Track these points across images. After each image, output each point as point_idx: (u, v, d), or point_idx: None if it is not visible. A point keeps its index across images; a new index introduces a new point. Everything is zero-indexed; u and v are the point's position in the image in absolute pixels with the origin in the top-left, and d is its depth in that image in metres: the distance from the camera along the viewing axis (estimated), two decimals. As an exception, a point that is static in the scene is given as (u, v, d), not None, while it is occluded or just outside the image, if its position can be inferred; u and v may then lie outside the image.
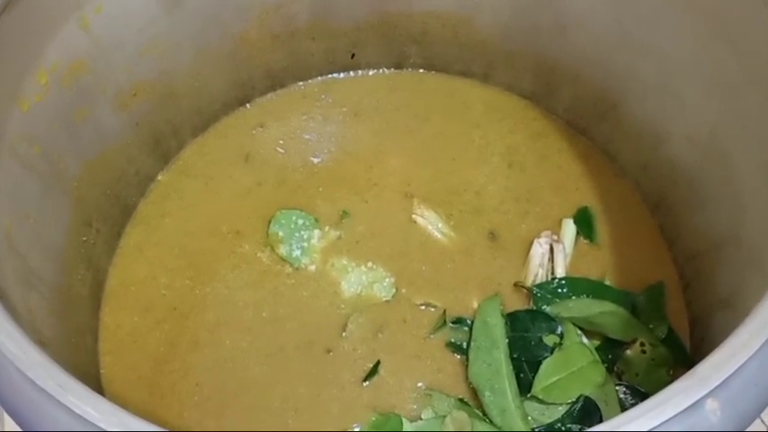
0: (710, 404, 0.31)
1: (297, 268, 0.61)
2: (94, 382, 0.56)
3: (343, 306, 0.59)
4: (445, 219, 0.63)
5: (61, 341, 0.51)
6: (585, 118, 0.67)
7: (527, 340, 0.56)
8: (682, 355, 0.56)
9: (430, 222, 0.63)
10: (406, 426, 0.53)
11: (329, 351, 0.57)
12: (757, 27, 0.47)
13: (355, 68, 0.72)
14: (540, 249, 0.60)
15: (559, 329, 0.56)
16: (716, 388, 0.31)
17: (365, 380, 0.56)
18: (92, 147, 0.57)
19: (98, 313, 0.59)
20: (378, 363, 0.56)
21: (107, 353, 0.58)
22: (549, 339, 0.55)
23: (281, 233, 0.62)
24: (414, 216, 0.63)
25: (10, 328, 0.35)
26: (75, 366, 0.52)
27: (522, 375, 0.54)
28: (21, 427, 0.34)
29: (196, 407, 0.55)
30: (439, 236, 0.62)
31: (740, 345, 0.32)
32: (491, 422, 0.52)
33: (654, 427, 0.30)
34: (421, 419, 0.54)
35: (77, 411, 0.32)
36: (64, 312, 0.53)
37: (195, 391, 0.56)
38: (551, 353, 0.55)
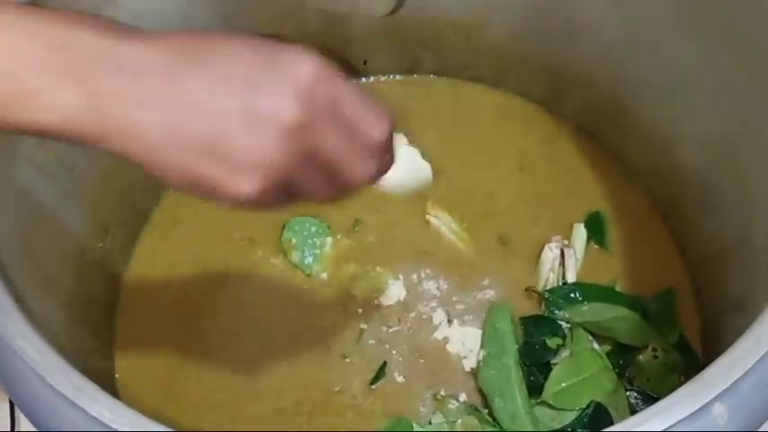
0: (717, 408, 0.31)
1: (308, 275, 0.61)
2: (109, 386, 0.56)
3: (354, 312, 0.59)
4: (458, 221, 0.63)
5: (77, 346, 0.51)
6: (596, 122, 0.67)
7: (531, 345, 0.56)
8: (694, 360, 0.56)
9: (443, 224, 0.63)
10: (417, 430, 0.53)
11: (344, 357, 0.58)
12: (765, 34, 0.47)
13: (367, 74, 0.72)
14: (550, 254, 0.60)
15: (561, 331, 0.56)
16: (723, 392, 0.31)
17: (372, 383, 0.56)
18: (108, 154, 0.58)
19: (113, 318, 0.60)
20: (384, 364, 0.57)
21: (122, 357, 0.58)
22: (553, 342, 0.56)
23: (294, 240, 0.62)
24: (428, 217, 0.63)
25: (27, 332, 0.36)
26: (90, 371, 0.52)
27: (532, 378, 0.54)
28: (36, 429, 0.34)
29: (210, 411, 0.56)
30: (451, 239, 0.63)
31: (747, 349, 0.32)
32: (501, 428, 0.52)
33: (661, 431, 0.30)
34: (431, 424, 0.54)
35: (93, 413, 0.32)
36: (80, 317, 0.53)
37: (209, 395, 0.56)
38: (555, 355, 0.55)
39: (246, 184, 0.30)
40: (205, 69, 0.30)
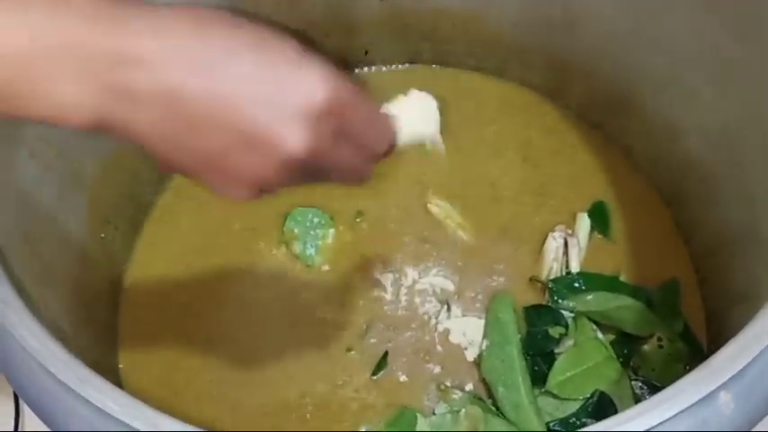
0: (723, 397, 0.31)
1: (310, 266, 0.61)
2: (113, 377, 0.56)
3: (357, 305, 0.59)
4: (460, 210, 0.63)
5: (80, 337, 0.51)
6: (599, 113, 0.67)
7: (533, 334, 0.56)
8: (698, 350, 0.55)
9: (445, 214, 0.63)
10: (421, 420, 0.53)
11: (348, 350, 0.57)
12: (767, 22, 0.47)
13: (369, 65, 0.72)
14: (554, 243, 0.60)
15: (564, 320, 0.56)
16: (729, 380, 0.31)
17: (374, 373, 0.56)
18: (108, 146, 0.58)
19: (116, 310, 0.60)
20: (386, 353, 0.57)
21: (125, 349, 0.58)
22: (555, 331, 0.56)
23: (296, 231, 0.62)
24: (429, 206, 0.63)
25: (31, 323, 0.36)
26: (93, 362, 0.51)
27: (536, 368, 0.54)
28: (41, 420, 0.34)
29: (213, 402, 0.56)
30: (454, 229, 0.62)
31: (753, 337, 0.32)
32: (505, 417, 0.52)
33: (666, 419, 0.30)
34: (435, 415, 0.54)
35: (97, 404, 0.32)
36: (83, 309, 0.53)
37: (212, 386, 0.56)
38: (558, 344, 0.55)
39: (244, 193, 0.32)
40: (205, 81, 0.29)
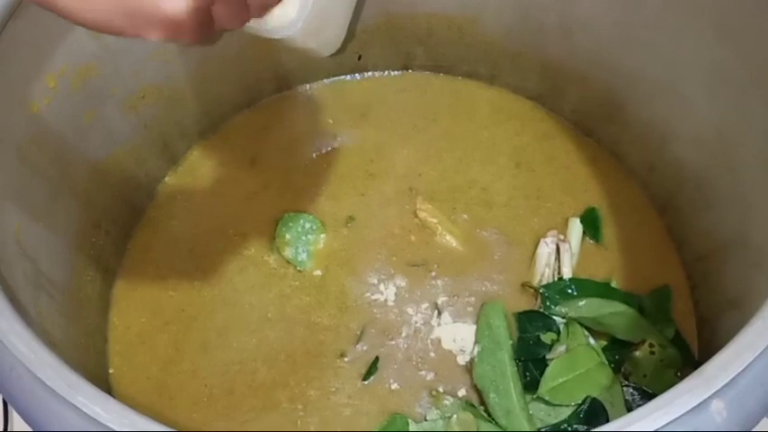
0: (716, 404, 0.31)
1: (301, 271, 0.61)
2: (103, 383, 0.56)
3: (348, 310, 0.59)
4: (451, 218, 0.63)
5: (71, 342, 0.51)
6: (592, 119, 0.67)
7: (525, 340, 0.56)
8: (689, 357, 0.56)
9: (436, 221, 0.63)
10: (412, 427, 0.53)
11: (341, 355, 0.57)
12: (761, 27, 0.47)
13: (362, 70, 0.72)
14: (546, 249, 0.60)
15: (555, 326, 0.56)
16: (722, 388, 0.31)
17: (365, 378, 0.56)
18: (100, 149, 0.58)
19: (107, 314, 0.60)
20: (377, 359, 0.57)
21: (116, 354, 0.58)
22: (547, 337, 0.56)
23: (288, 236, 0.62)
24: (420, 212, 0.63)
25: (20, 329, 0.35)
26: (84, 367, 0.52)
27: (528, 374, 0.54)
28: (31, 427, 0.34)
29: (205, 407, 0.56)
30: (444, 235, 0.62)
31: (746, 345, 0.32)
32: (496, 423, 0.52)
33: (659, 428, 0.30)
34: (426, 421, 0.54)
35: (86, 411, 0.32)
36: (73, 314, 0.53)
37: (204, 392, 0.56)
38: (550, 350, 0.55)
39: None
40: None
